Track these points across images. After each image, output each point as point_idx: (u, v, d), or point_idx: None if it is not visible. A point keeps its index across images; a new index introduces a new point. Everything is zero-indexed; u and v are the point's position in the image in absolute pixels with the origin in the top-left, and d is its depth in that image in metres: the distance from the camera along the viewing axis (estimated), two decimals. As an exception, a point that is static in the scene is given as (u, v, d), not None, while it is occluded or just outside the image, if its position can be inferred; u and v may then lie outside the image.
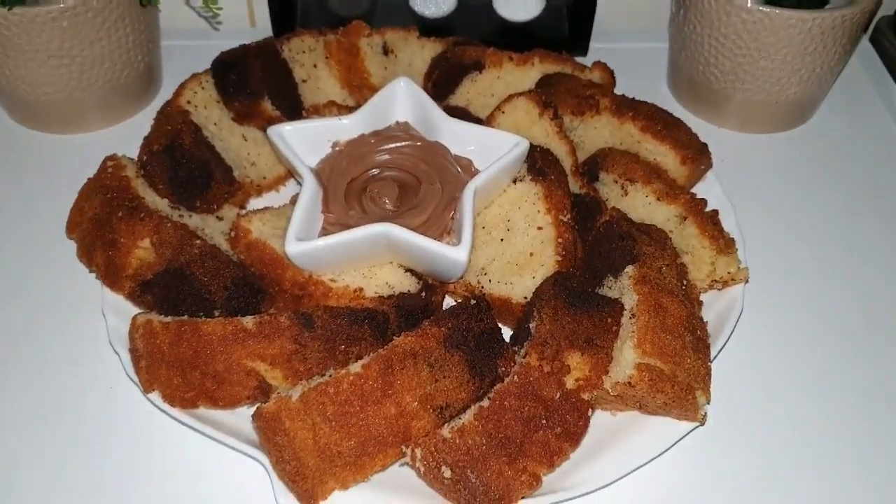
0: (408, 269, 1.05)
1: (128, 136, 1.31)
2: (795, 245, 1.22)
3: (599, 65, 1.29)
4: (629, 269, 0.97)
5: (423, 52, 1.30)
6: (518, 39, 1.45)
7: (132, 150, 1.17)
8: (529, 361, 0.89)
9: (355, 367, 0.86)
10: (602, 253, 1.03)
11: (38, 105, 1.28)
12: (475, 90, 1.25)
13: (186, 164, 1.09)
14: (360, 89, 1.27)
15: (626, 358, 0.89)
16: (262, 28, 1.50)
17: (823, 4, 1.26)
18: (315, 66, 1.27)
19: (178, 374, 0.91)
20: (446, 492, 0.86)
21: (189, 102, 1.17)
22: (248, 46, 1.21)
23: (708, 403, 0.92)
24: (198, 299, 0.98)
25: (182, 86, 1.20)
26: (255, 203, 1.20)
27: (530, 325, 0.93)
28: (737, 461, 0.97)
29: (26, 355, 1.05)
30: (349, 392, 0.85)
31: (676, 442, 0.93)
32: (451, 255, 0.98)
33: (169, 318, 0.93)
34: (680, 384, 0.89)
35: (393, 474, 0.89)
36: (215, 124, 1.18)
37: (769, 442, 0.99)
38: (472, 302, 0.95)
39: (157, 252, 1.00)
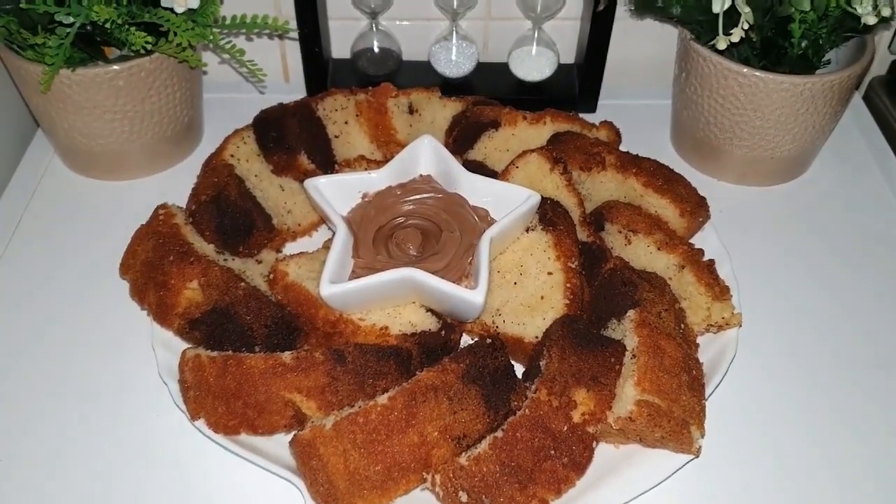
0: (429, 309, 1.14)
1: (171, 182, 1.42)
2: (789, 292, 1.30)
3: (606, 124, 1.40)
4: (631, 313, 1.06)
5: (445, 110, 1.40)
6: (532, 97, 1.57)
7: (175, 195, 1.27)
8: (539, 396, 0.98)
9: (382, 399, 0.95)
10: (606, 297, 1.13)
11: (91, 154, 1.40)
12: (492, 146, 1.36)
13: (231, 213, 1.19)
14: (387, 144, 1.38)
15: (628, 395, 0.97)
16: (296, 83, 1.61)
17: (815, 68, 1.36)
18: (346, 122, 1.38)
19: (223, 404, 1.01)
20: (463, 515, 0.94)
21: (232, 156, 1.28)
22: (286, 106, 1.32)
23: (702, 437, 1.00)
24: (240, 336, 1.08)
25: (226, 140, 1.31)
26: (290, 247, 1.30)
27: (540, 363, 1.03)
28: (729, 490, 1.05)
29: (81, 385, 1.14)
30: (377, 422, 0.94)
31: (673, 473, 1.01)
32: (469, 297, 1.08)
33: (215, 353, 1.03)
34: (676, 419, 0.98)
35: (414, 498, 0.97)
36: (256, 176, 1.28)
37: (759, 473, 1.07)
38: (488, 341, 1.04)
39: (205, 293, 1.10)
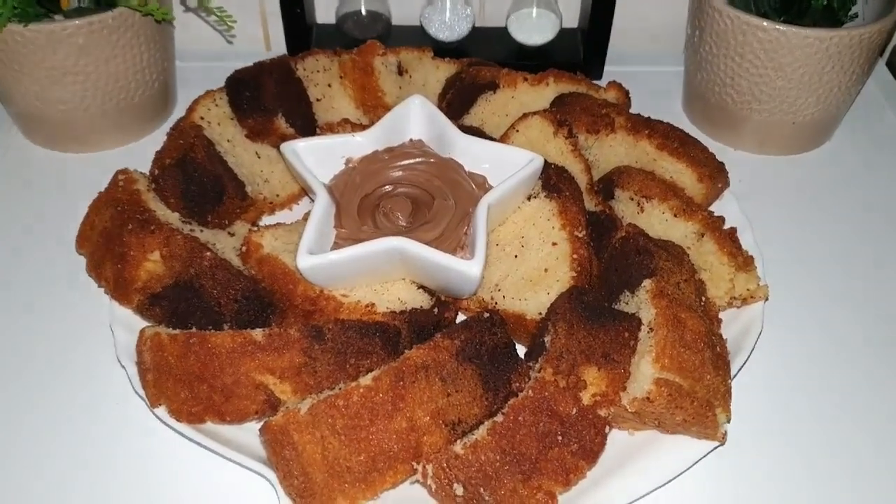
0: (420, 286, 1.03)
1: (141, 155, 1.30)
2: (814, 266, 1.20)
3: (614, 84, 1.29)
4: (647, 282, 0.95)
5: (438, 72, 1.30)
6: (533, 63, 1.45)
7: (145, 169, 1.16)
8: (544, 376, 0.87)
9: (366, 380, 0.85)
10: (618, 268, 1.02)
11: (51, 123, 1.29)
12: (489, 110, 1.25)
13: (199, 178, 1.09)
14: (375, 108, 1.27)
15: (644, 373, 0.86)
16: (278, 51, 1.52)
17: (840, 23, 1.26)
18: (329, 85, 1.27)
19: (186, 388, 0.90)
20: (458, 510, 0.83)
21: (202, 118, 1.17)
22: (262, 64, 1.21)
23: (728, 422, 0.89)
24: (207, 312, 0.97)
25: (196, 102, 1.20)
26: (267, 220, 1.20)
27: (545, 340, 0.92)
28: (758, 482, 0.95)
29: (34, 371, 1.04)
30: (359, 405, 0.83)
31: (697, 461, 0.91)
32: (464, 269, 0.97)
33: (177, 331, 0.91)
34: (699, 400, 0.86)
35: (403, 492, 0.87)
36: (229, 141, 1.17)
37: (791, 462, 0.96)
38: (486, 315, 0.93)
39: (167, 264, 0.99)
